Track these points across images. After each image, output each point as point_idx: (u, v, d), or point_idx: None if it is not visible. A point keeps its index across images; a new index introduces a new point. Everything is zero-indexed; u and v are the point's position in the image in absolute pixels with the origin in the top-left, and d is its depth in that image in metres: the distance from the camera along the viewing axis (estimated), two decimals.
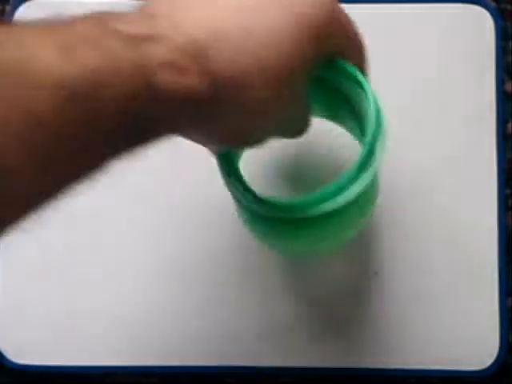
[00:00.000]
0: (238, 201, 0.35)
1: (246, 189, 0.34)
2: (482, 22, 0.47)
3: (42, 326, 0.45)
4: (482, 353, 0.45)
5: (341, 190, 0.32)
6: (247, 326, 0.45)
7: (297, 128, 0.36)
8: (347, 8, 0.47)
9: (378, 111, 0.33)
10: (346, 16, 0.34)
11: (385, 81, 0.46)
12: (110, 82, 0.26)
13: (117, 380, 0.45)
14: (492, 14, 0.47)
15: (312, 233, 0.35)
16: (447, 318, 0.45)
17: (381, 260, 0.45)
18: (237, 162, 0.36)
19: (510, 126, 0.47)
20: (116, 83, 0.26)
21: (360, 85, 0.34)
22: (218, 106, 0.29)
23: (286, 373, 0.45)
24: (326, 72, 0.33)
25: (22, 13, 0.47)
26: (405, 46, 0.47)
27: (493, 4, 0.48)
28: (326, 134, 0.43)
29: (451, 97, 0.47)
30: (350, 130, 0.40)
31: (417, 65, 0.47)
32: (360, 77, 0.34)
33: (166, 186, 0.46)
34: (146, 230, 0.46)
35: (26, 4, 0.47)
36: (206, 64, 0.28)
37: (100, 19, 0.27)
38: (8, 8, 0.48)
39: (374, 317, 0.45)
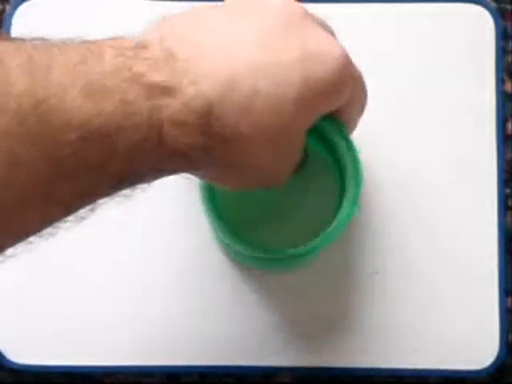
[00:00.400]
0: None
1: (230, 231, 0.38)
2: (482, 22, 0.47)
3: (42, 326, 0.45)
4: (482, 353, 0.45)
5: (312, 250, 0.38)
6: (247, 326, 0.45)
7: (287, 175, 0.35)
8: (347, 7, 0.47)
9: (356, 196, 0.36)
10: (360, 80, 0.34)
11: (384, 80, 0.47)
12: (123, 129, 0.26)
13: (117, 380, 0.45)
14: (492, 13, 0.47)
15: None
16: (447, 317, 0.45)
17: (380, 259, 0.45)
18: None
19: (510, 125, 0.47)
20: (128, 131, 0.27)
21: (354, 165, 0.36)
22: (215, 161, 0.30)
23: (285, 373, 0.45)
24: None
25: (22, 13, 0.47)
26: (405, 45, 0.47)
27: (493, 4, 0.48)
28: None
29: (451, 97, 0.47)
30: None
31: (416, 64, 0.47)
32: (357, 159, 0.35)
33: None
34: (146, 231, 0.46)
35: (26, 4, 0.47)
36: (208, 124, 0.28)
37: (127, 57, 0.27)
38: (8, 8, 0.48)
39: (374, 316, 0.45)
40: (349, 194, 0.36)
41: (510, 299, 0.45)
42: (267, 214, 0.43)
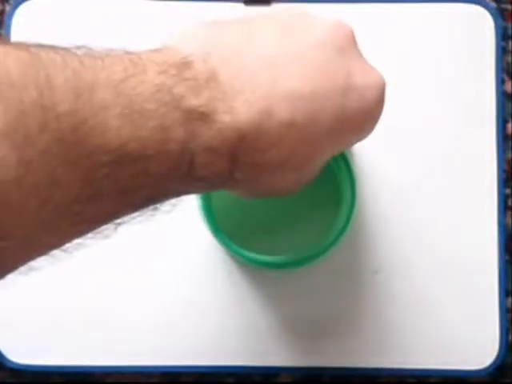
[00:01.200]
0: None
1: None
2: (482, 22, 0.47)
3: (42, 326, 0.45)
4: (481, 352, 0.45)
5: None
6: (247, 327, 0.45)
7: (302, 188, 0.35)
8: (347, 7, 0.47)
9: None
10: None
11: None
12: (157, 156, 0.26)
13: (117, 380, 0.45)
14: (492, 14, 0.47)
15: None
16: (447, 317, 0.45)
17: (381, 260, 0.45)
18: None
19: (509, 125, 0.47)
20: (161, 158, 0.26)
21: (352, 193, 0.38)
22: (235, 183, 0.30)
23: (285, 373, 0.45)
24: None
25: (22, 13, 0.47)
26: (404, 45, 0.47)
27: (493, 4, 0.48)
28: None
29: (451, 97, 0.47)
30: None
31: (416, 65, 0.47)
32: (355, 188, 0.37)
33: None
34: (145, 231, 0.46)
35: (26, 4, 0.47)
36: (237, 151, 0.28)
37: (170, 75, 0.27)
38: (8, 8, 0.48)
39: (374, 316, 0.45)
40: (341, 217, 0.38)
41: (510, 299, 0.45)
42: (265, 219, 0.43)
